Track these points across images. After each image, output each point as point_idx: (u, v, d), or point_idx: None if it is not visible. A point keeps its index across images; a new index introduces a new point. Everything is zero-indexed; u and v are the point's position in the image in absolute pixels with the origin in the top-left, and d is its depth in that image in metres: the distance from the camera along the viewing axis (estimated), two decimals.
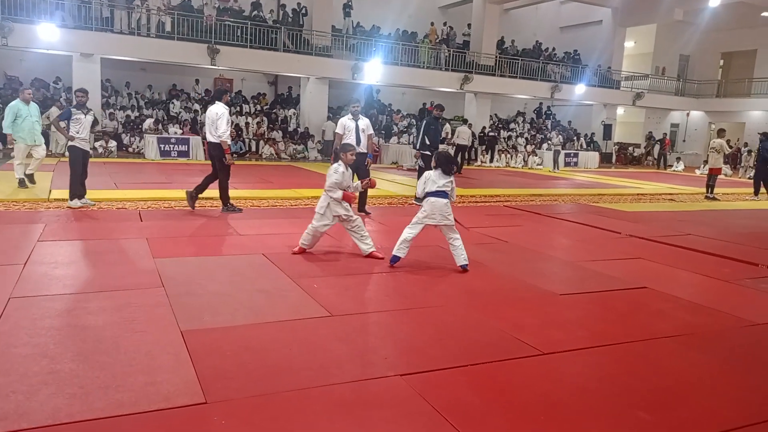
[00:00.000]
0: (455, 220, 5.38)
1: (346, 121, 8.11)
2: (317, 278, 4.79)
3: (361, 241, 5.62)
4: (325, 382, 2.93)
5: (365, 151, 8.01)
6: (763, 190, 13.20)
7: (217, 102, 7.77)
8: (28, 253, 5.08)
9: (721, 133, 13.81)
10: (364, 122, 8.10)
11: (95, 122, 7.26)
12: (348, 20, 21.62)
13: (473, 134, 19.72)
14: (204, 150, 14.41)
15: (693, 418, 2.80)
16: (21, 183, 8.93)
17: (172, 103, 19.14)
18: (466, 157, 19.25)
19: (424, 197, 5.31)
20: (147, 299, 4.04)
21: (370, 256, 5.57)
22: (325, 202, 5.46)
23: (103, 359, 3.04)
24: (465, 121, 20.15)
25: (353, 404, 2.74)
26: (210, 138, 7.78)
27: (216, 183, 7.88)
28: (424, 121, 9.85)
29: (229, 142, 7.68)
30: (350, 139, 7.83)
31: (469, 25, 23.91)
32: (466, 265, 5.26)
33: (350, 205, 5.56)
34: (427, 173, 5.38)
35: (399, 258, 5.31)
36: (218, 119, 7.52)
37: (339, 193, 5.40)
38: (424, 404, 2.75)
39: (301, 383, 2.90)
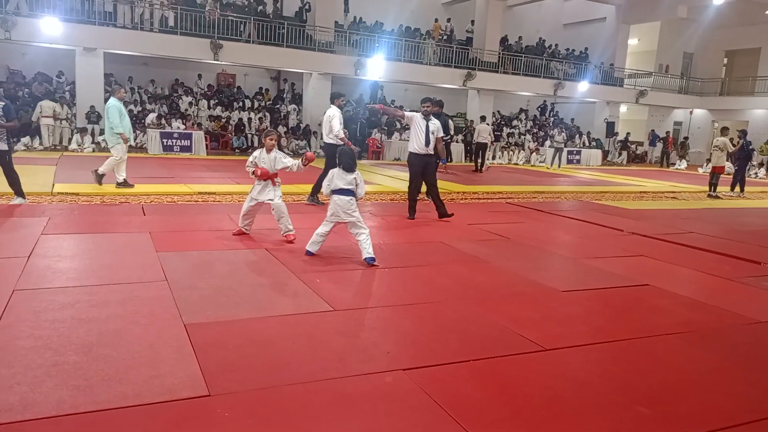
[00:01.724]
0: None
1: (418, 119, 7.63)
2: (319, 273, 4.81)
3: (280, 223, 5.94)
4: (328, 375, 2.94)
5: (432, 152, 7.68)
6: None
7: (331, 105, 8.42)
8: (32, 246, 5.10)
9: (724, 131, 13.81)
10: (435, 124, 7.66)
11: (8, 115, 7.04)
12: (348, 16, 21.58)
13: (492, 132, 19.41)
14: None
15: (693, 414, 2.81)
16: (124, 184, 8.83)
17: (181, 99, 19.13)
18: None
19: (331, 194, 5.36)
20: (150, 292, 4.06)
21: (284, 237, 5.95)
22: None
23: (106, 352, 3.05)
24: (483, 119, 20.05)
25: (355, 398, 2.75)
26: (325, 139, 8.43)
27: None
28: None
29: (341, 135, 8.16)
30: (420, 138, 7.52)
31: (472, 22, 23.86)
32: (371, 258, 5.15)
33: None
34: (332, 171, 5.42)
35: (311, 253, 5.36)
36: (331, 120, 8.14)
37: (251, 169, 5.91)
38: (427, 398, 2.77)
39: (304, 377, 2.91)
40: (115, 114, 8.69)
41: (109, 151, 9.02)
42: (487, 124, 18.51)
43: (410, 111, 8.49)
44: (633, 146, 26.65)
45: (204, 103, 19.16)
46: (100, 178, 8.76)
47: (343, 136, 8.19)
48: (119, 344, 3.16)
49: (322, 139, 8.89)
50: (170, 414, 2.51)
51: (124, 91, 9.25)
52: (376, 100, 22.45)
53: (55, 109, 15.64)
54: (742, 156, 13.97)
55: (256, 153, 6.02)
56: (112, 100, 8.81)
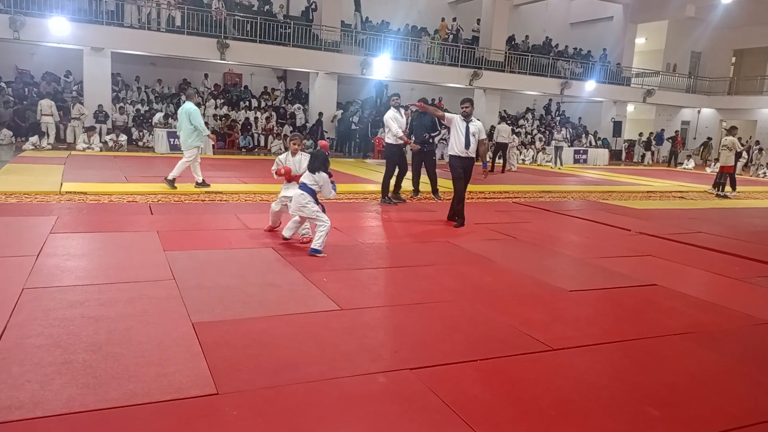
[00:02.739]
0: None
1: (458, 120, 7.32)
2: (327, 272, 4.81)
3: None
4: (335, 375, 2.95)
5: (473, 155, 7.33)
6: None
7: (392, 108, 8.95)
8: (41, 245, 5.13)
9: (732, 130, 13.71)
10: (475, 126, 7.27)
11: None
12: (357, 15, 21.57)
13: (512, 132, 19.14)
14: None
15: (702, 415, 2.80)
16: (203, 184, 9.09)
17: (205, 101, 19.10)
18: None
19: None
20: (158, 291, 4.08)
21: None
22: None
23: (115, 350, 3.07)
24: (504, 119, 19.97)
25: (363, 398, 2.75)
26: (386, 139, 8.94)
27: (383, 179, 8.98)
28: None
29: (400, 134, 8.65)
30: (460, 140, 7.24)
31: (478, 21, 23.80)
32: (314, 251, 5.33)
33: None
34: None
35: (285, 237, 5.84)
36: (390, 121, 8.66)
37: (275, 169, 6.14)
38: (434, 398, 2.76)
39: (312, 376, 2.92)
40: (199, 117, 8.93)
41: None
42: (508, 124, 18.41)
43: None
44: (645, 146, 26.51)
45: (211, 102, 19.20)
46: (172, 183, 8.92)
47: (402, 135, 8.61)
48: (128, 343, 3.18)
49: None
50: (179, 412, 2.52)
51: (197, 98, 9.47)
52: (382, 98, 22.45)
53: (53, 107, 15.76)
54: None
55: (281, 156, 6.25)
56: (192, 105, 8.98)
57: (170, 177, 8.87)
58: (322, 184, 5.53)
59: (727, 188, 13.30)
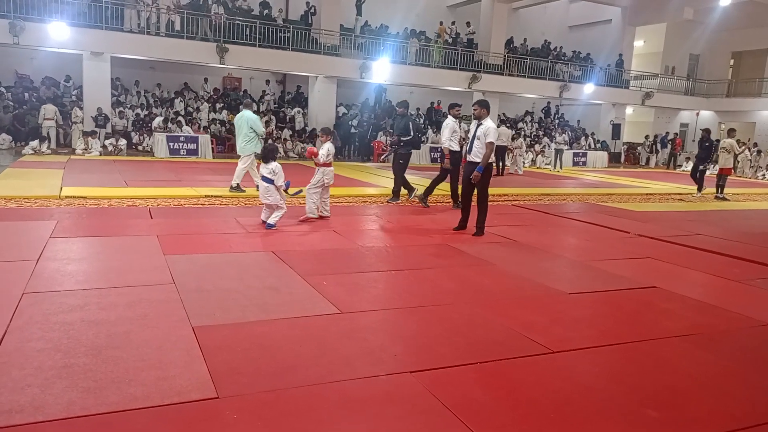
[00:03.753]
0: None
1: (473, 125, 7.10)
2: (326, 276, 4.82)
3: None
4: (335, 378, 2.95)
5: (476, 160, 6.83)
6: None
7: (448, 116, 9.34)
8: (41, 249, 5.14)
9: (731, 132, 13.74)
10: (483, 128, 6.85)
11: None
12: (360, 20, 21.61)
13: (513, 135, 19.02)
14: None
15: (701, 417, 2.81)
16: (237, 188, 9.40)
17: (182, 101, 19.19)
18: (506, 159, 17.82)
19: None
20: (158, 295, 4.08)
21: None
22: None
23: (116, 354, 3.08)
24: (504, 122, 19.96)
25: (363, 401, 2.76)
26: (452, 147, 9.10)
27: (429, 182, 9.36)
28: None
29: (452, 148, 8.89)
30: (469, 145, 7.06)
31: (468, 23, 23.80)
32: (269, 225, 6.60)
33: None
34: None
35: (270, 225, 6.69)
36: (444, 129, 9.02)
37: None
38: (434, 401, 2.77)
39: (312, 379, 2.92)
40: (260, 124, 9.52)
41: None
42: (508, 127, 18.40)
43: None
44: (638, 148, 26.56)
45: (206, 106, 19.18)
46: (239, 188, 9.38)
47: (447, 146, 8.86)
48: (128, 346, 3.18)
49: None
50: (179, 416, 2.53)
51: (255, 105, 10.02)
52: (381, 102, 22.49)
53: (56, 112, 15.84)
54: (702, 156, 13.47)
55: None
56: (251, 113, 9.44)
57: (234, 184, 9.39)
58: (277, 173, 6.57)
59: (701, 189, 13.27)
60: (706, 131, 13.83)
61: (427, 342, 3.54)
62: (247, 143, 9.17)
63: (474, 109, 7.03)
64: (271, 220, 6.61)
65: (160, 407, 2.58)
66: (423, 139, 18.26)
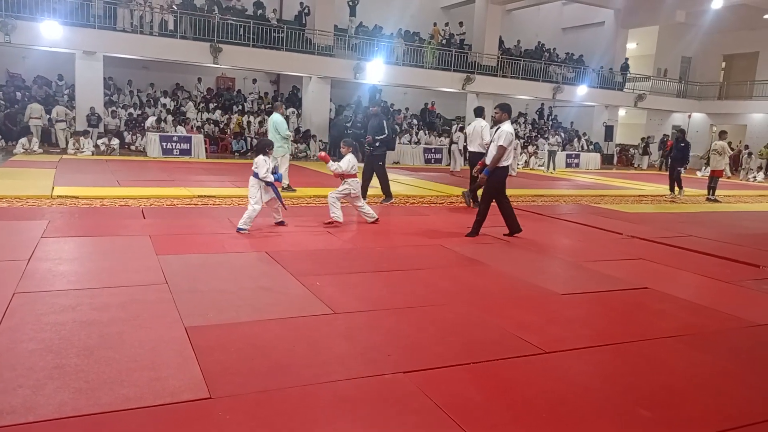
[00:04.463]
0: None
1: (492, 131, 7.10)
2: (320, 276, 4.81)
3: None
4: (329, 378, 2.95)
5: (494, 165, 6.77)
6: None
7: (477, 119, 9.86)
8: (32, 249, 5.10)
9: (723, 135, 13.82)
10: (499, 132, 6.79)
11: None
12: (354, 21, 21.59)
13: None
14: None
15: (694, 416, 2.82)
16: (289, 188, 9.95)
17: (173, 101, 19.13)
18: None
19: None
20: (151, 295, 4.06)
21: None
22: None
23: (108, 354, 3.06)
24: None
25: (357, 401, 2.75)
26: (471, 147, 9.46)
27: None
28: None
29: (470, 148, 9.45)
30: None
31: (461, 23, 23.83)
32: (239, 228, 6.39)
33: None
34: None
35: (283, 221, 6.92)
36: (483, 130, 9.41)
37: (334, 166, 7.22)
38: (428, 401, 2.77)
39: (305, 380, 2.92)
40: (285, 125, 9.88)
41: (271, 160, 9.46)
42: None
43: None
44: (631, 150, 26.69)
45: (190, 105, 19.09)
46: (290, 187, 9.84)
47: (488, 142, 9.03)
48: (121, 347, 3.16)
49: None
50: (172, 416, 2.52)
51: (283, 107, 10.79)
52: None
53: (42, 111, 15.80)
54: (678, 157, 13.33)
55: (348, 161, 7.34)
56: (278, 116, 9.91)
57: (285, 185, 9.73)
58: (259, 165, 6.49)
59: (681, 189, 13.29)
60: (681, 131, 13.71)
61: (421, 342, 3.54)
62: (277, 147, 9.25)
63: (495, 113, 7.02)
64: (241, 223, 6.41)
65: (153, 408, 2.56)
66: (397, 139, 18.06)
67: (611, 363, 3.45)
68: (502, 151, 6.70)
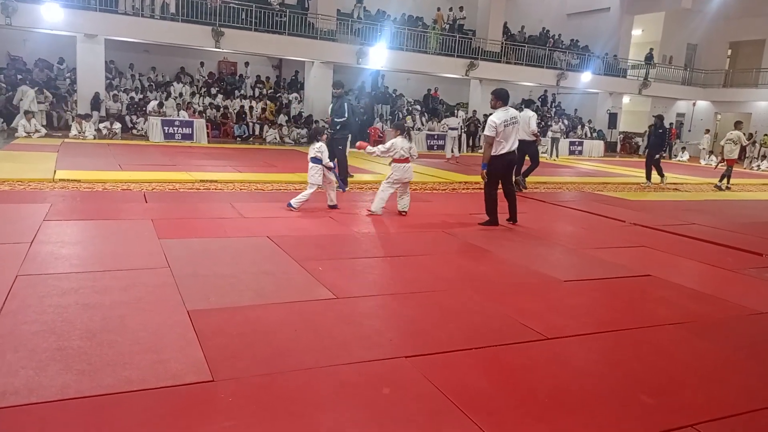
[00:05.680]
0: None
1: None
2: (322, 261, 4.81)
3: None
4: (331, 362, 2.95)
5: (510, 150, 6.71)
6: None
7: (526, 109, 10.53)
8: (35, 232, 5.10)
9: (738, 125, 13.61)
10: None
11: None
12: (359, 7, 21.39)
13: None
14: None
15: (695, 403, 2.82)
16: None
17: (172, 86, 18.97)
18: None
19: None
20: (153, 279, 4.06)
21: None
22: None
23: (110, 337, 3.06)
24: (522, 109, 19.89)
25: (358, 385, 2.76)
26: (520, 136, 9.09)
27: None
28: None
29: (536, 131, 10.05)
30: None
31: (461, 8, 23.60)
32: (289, 204, 6.88)
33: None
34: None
35: (335, 207, 7.13)
36: (530, 120, 9.96)
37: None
38: (429, 386, 2.77)
39: (307, 363, 2.92)
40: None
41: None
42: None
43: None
44: (635, 138, 26.56)
45: (187, 89, 18.90)
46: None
47: (537, 132, 10.14)
48: (123, 330, 3.17)
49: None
50: (174, 399, 2.52)
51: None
52: (377, 88, 22.35)
53: (34, 94, 15.61)
54: (656, 143, 12.94)
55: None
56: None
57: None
58: (322, 151, 6.89)
59: (665, 177, 13.14)
60: (659, 117, 13.12)
61: (423, 327, 3.54)
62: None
63: (490, 100, 6.84)
64: (294, 201, 6.86)
65: (155, 390, 2.57)
66: (359, 122, 17.60)
67: (613, 350, 3.45)
68: (488, 140, 6.58)
